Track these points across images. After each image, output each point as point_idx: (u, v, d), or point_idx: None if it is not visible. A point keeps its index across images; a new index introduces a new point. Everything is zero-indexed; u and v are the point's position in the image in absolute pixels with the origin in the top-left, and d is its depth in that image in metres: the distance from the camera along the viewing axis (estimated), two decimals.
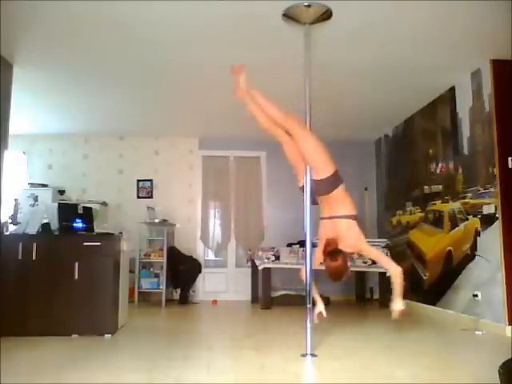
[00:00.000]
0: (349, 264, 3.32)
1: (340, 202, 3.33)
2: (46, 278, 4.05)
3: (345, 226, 3.30)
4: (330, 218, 3.36)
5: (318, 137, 3.37)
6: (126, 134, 7.38)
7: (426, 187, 5.81)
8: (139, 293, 6.63)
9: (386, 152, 7.23)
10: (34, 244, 4.07)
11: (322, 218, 3.43)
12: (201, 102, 5.77)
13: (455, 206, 5.06)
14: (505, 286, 4.18)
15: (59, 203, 4.67)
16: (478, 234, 4.63)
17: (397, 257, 6.31)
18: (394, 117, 6.40)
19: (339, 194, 3.31)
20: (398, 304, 3.20)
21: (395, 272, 3.26)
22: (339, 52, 4.31)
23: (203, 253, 7.36)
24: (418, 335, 4.29)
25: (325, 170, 3.26)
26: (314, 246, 3.46)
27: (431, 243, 5.62)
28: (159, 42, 4.13)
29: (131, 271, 5.83)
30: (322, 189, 3.31)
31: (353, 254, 3.68)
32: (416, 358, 3.32)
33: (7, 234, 4.35)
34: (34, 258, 4.04)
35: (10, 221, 4.58)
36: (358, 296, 6.96)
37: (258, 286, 6.43)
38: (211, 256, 7.43)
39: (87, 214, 4.54)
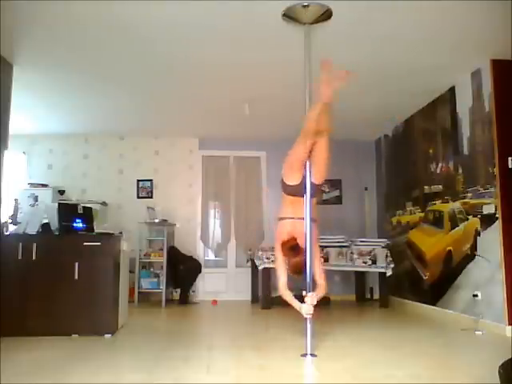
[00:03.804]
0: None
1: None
2: (46, 277, 4.05)
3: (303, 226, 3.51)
4: (300, 218, 3.53)
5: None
6: (126, 134, 7.38)
7: (426, 187, 5.81)
8: (139, 293, 6.62)
9: (385, 152, 7.22)
10: (34, 244, 4.07)
11: (293, 218, 3.57)
12: (201, 101, 5.77)
13: (455, 205, 5.06)
14: (505, 286, 4.18)
15: (59, 203, 4.67)
16: (478, 233, 4.62)
17: (397, 257, 6.33)
18: (394, 117, 6.40)
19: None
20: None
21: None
22: (339, 52, 4.30)
23: (203, 253, 7.36)
24: (418, 335, 4.29)
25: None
26: None
27: (431, 243, 5.61)
28: (159, 42, 4.13)
29: (131, 271, 5.83)
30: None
31: None
32: (416, 358, 3.32)
33: (7, 234, 4.35)
34: (34, 257, 4.05)
35: (10, 221, 4.57)
36: (358, 296, 6.96)
37: (258, 285, 6.44)
38: (211, 256, 7.43)
39: (87, 214, 4.54)
